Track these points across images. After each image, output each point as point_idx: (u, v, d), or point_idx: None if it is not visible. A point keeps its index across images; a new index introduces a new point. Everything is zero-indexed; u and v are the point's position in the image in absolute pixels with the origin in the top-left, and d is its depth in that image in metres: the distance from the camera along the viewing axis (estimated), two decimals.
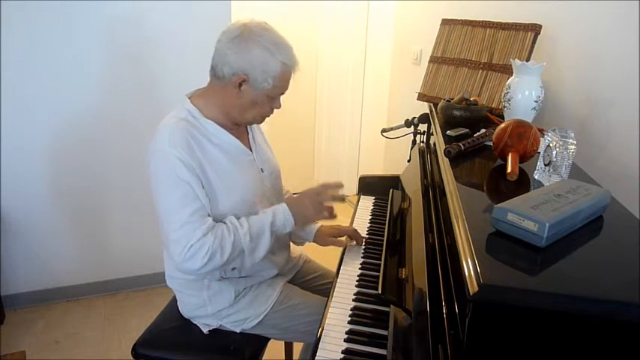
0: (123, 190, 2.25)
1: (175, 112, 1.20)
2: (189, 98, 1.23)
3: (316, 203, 1.24)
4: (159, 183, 1.13)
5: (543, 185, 0.97)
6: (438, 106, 1.50)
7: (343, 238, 1.45)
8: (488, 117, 1.48)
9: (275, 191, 1.37)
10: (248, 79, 1.14)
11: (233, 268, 1.22)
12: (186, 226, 1.09)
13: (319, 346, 1.02)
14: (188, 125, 1.16)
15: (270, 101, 1.21)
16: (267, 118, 1.27)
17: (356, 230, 1.46)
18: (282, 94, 1.22)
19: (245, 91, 1.16)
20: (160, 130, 1.15)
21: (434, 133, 1.46)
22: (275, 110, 1.26)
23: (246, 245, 1.16)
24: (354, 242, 1.45)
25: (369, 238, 1.50)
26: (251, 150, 1.29)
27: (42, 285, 2.25)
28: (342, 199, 1.27)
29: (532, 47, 1.57)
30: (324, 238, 1.44)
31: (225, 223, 1.17)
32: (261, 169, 1.30)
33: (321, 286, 1.49)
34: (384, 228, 1.49)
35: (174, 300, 1.41)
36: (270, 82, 1.15)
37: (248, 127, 1.33)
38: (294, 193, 1.46)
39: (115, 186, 2.24)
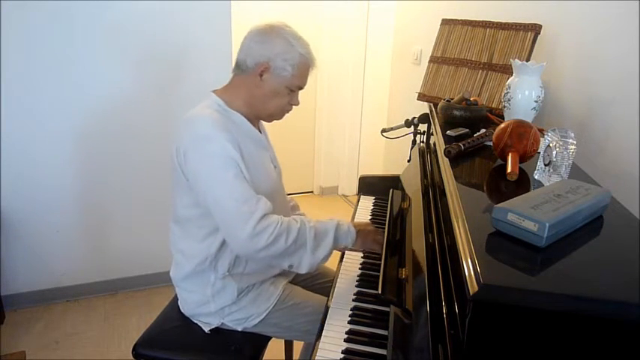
0: (123, 190, 2.25)
1: (204, 104, 1.23)
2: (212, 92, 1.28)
3: (378, 237, 1.33)
4: (211, 166, 1.14)
5: (543, 185, 0.97)
6: (438, 106, 1.50)
7: None
8: (489, 117, 1.48)
9: (282, 189, 1.42)
10: (269, 68, 1.20)
11: (290, 265, 1.21)
12: (248, 202, 1.13)
13: (319, 346, 1.02)
14: (221, 115, 1.20)
15: (289, 94, 1.26)
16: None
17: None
18: (301, 88, 1.27)
19: (266, 80, 1.22)
20: (196, 120, 1.18)
21: (434, 133, 1.46)
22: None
23: (310, 240, 1.19)
24: None
25: None
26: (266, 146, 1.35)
27: (42, 285, 2.25)
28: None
29: (532, 47, 1.57)
30: None
31: (292, 217, 1.22)
32: (274, 165, 1.36)
33: (321, 284, 1.49)
34: (384, 228, 1.49)
35: (174, 300, 1.41)
36: (290, 70, 1.20)
37: (260, 127, 1.38)
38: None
39: (116, 186, 2.24)
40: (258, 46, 1.20)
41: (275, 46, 1.19)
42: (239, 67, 1.25)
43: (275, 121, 1.33)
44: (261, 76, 1.21)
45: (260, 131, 1.37)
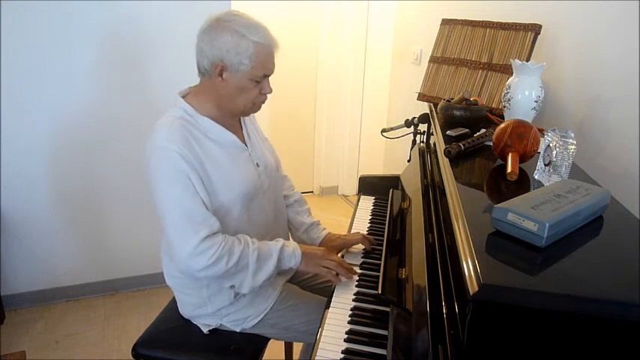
0: (122, 190, 2.25)
1: (171, 111, 1.21)
2: (183, 97, 1.24)
3: (326, 260, 1.27)
4: (160, 179, 1.13)
5: (543, 185, 0.97)
6: (438, 106, 1.50)
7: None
8: (488, 117, 1.48)
9: (272, 186, 1.37)
10: (226, 66, 1.15)
11: (232, 286, 1.20)
12: (192, 221, 1.10)
13: (319, 346, 1.02)
14: (185, 123, 1.17)
15: (256, 86, 1.20)
16: (263, 106, 1.27)
17: (364, 237, 1.44)
18: (267, 76, 1.21)
19: (227, 79, 1.17)
20: (157, 129, 1.16)
21: (434, 133, 1.46)
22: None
23: (252, 262, 1.17)
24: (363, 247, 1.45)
25: None
26: (246, 145, 1.30)
27: (42, 285, 2.25)
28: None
29: (532, 47, 1.57)
30: (328, 249, 1.41)
31: (236, 237, 1.18)
32: (257, 164, 1.31)
33: (320, 284, 1.49)
34: (384, 228, 1.49)
35: (174, 300, 1.41)
36: (247, 63, 1.15)
37: (242, 123, 1.34)
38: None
39: (115, 186, 2.24)
40: (208, 46, 1.14)
41: (224, 42, 1.13)
42: (199, 71, 1.21)
43: (253, 113, 1.30)
44: (221, 76, 1.16)
45: (242, 127, 1.32)
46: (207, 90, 1.22)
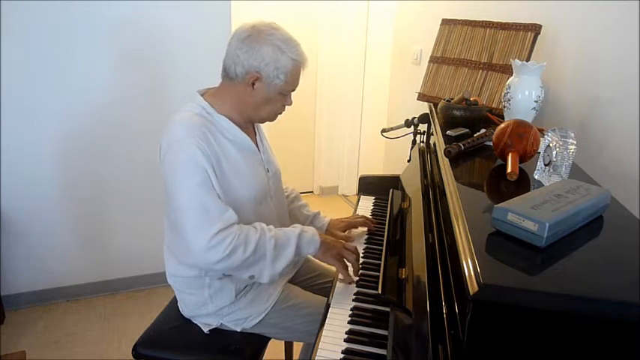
0: (123, 190, 2.25)
1: (188, 107, 1.21)
2: (201, 95, 1.25)
3: (346, 251, 1.26)
4: (177, 172, 1.13)
5: (543, 185, 0.97)
6: (438, 106, 1.50)
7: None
8: (489, 117, 1.48)
9: (277, 193, 1.39)
10: (261, 77, 1.17)
11: (251, 276, 1.19)
12: (209, 213, 1.10)
13: (319, 346, 1.02)
14: (203, 120, 1.18)
15: (282, 98, 1.24)
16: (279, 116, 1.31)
17: (366, 219, 1.49)
18: (294, 90, 1.25)
19: (258, 89, 1.19)
20: (175, 123, 1.16)
21: (434, 133, 1.46)
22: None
23: (270, 250, 1.16)
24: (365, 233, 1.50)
25: (369, 238, 1.50)
26: (259, 150, 1.31)
27: (42, 285, 2.25)
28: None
29: (532, 47, 1.57)
30: (334, 233, 1.46)
31: (252, 226, 1.18)
32: (267, 170, 1.33)
33: (320, 285, 1.49)
34: (384, 228, 1.49)
35: (174, 300, 1.41)
36: (282, 78, 1.18)
37: (256, 128, 1.36)
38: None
39: (116, 186, 2.24)
40: (245, 55, 1.15)
41: (264, 55, 1.15)
42: (227, 75, 1.21)
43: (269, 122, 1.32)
44: (252, 85, 1.18)
45: (255, 133, 1.35)
46: (230, 94, 1.23)
